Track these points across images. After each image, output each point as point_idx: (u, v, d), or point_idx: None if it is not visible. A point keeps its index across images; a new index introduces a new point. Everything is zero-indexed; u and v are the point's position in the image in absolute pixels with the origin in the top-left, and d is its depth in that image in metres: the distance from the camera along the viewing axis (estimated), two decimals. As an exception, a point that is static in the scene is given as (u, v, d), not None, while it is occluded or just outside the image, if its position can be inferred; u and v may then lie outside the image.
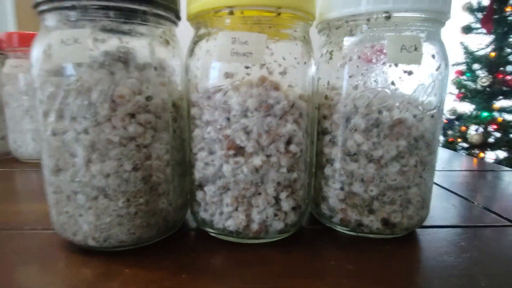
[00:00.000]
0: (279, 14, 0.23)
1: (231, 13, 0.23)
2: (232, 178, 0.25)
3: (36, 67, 0.23)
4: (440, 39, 0.26)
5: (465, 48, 1.58)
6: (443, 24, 0.26)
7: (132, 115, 0.23)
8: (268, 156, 0.25)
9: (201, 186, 0.26)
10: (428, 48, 0.25)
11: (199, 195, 0.27)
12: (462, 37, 1.59)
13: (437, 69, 0.25)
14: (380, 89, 0.25)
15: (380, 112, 0.25)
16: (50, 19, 0.22)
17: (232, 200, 0.25)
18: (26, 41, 0.48)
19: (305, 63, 0.25)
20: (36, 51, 0.22)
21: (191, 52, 0.26)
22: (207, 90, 0.24)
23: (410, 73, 0.25)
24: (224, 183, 0.25)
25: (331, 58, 0.27)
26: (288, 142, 0.25)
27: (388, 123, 0.25)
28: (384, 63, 0.25)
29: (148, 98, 0.23)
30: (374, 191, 0.26)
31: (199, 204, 0.27)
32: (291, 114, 0.24)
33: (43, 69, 0.22)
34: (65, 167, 0.23)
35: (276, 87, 0.24)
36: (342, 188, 0.27)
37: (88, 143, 0.22)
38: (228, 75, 0.24)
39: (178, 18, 0.27)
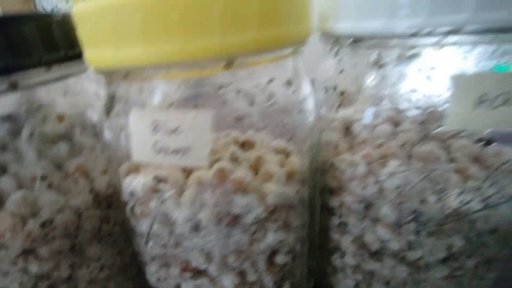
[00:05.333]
0: (231, 65, 0.12)
1: (126, 76, 0.13)
2: (198, 301, 0.17)
3: None
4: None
5: None
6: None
7: (29, 251, 0.15)
8: (243, 274, 0.17)
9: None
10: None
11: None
12: None
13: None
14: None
15: (423, 201, 0.15)
16: None
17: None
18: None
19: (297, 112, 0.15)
20: None
21: (107, 110, 0.16)
22: (135, 192, 0.15)
23: (488, 142, 0.14)
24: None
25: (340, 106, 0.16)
26: (273, 252, 0.17)
27: (436, 216, 0.15)
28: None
29: (46, 224, 0.15)
30: (407, 298, 0.18)
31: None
32: (273, 221, 0.15)
33: None
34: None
35: (244, 189, 0.14)
36: (357, 286, 0.19)
37: (-23, 294, 0.15)
38: (160, 179, 0.14)
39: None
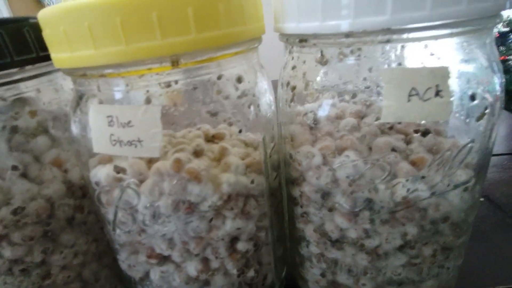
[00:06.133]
0: (177, 63, 0.13)
1: (84, 75, 0.13)
2: (166, 286, 0.18)
3: None
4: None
5: None
6: None
7: (3, 237, 0.16)
8: (207, 260, 0.17)
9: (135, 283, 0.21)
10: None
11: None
12: None
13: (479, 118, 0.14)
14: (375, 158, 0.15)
15: (374, 190, 0.16)
16: None
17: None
18: None
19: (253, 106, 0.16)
20: None
21: (74, 106, 0.17)
22: (99, 182, 0.16)
23: (425, 133, 0.14)
24: (158, 290, 0.19)
25: (292, 100, 0.16)
26: (235, 238, 0.17)
27: (387, 205, 0.16)
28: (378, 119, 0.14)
29: (18, 211, 0.16)
30: (368, 286, 0.18)
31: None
32: (228, 209, 0.16)
33: None
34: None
35: (197, 177, 0.15)
36: (323, 275, 0.20)
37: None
38: (119, 169, 0.15)
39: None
